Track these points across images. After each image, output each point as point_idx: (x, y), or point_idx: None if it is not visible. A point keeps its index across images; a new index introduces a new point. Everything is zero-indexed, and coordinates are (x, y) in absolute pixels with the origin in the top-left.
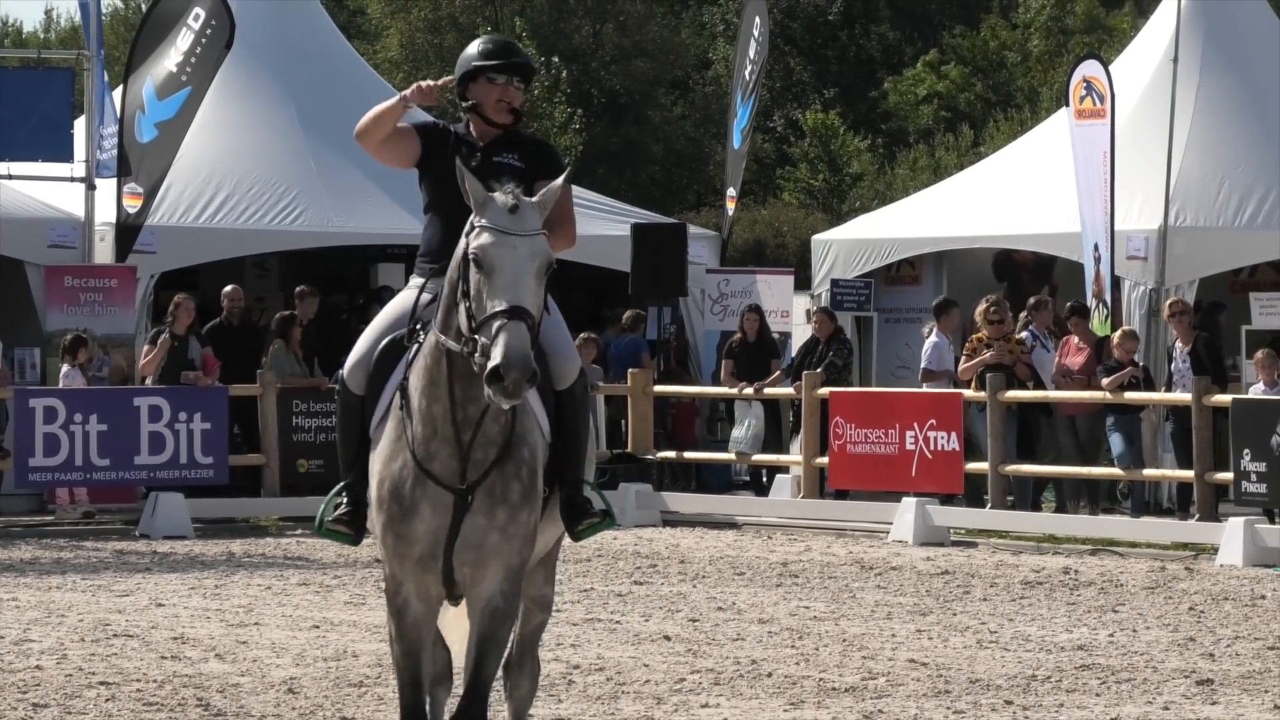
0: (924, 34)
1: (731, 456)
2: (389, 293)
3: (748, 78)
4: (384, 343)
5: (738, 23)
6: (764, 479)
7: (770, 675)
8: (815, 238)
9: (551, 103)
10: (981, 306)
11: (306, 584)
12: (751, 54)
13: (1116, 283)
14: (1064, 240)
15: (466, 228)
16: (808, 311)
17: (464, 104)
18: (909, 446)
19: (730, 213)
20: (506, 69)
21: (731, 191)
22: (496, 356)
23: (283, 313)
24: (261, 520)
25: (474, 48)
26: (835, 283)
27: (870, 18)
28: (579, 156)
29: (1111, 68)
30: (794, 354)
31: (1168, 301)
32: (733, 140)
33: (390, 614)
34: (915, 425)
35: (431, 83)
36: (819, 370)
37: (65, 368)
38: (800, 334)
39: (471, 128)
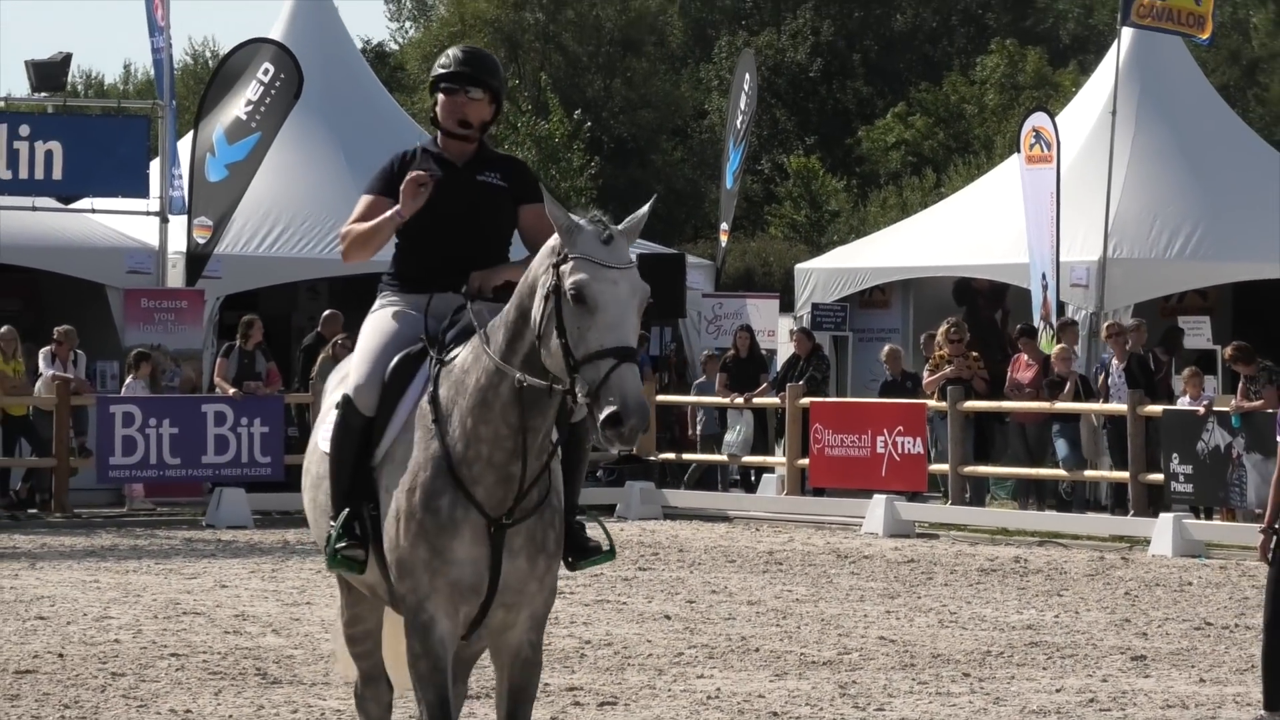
0: (893, 89)
1: (724, 458)
2: None
3: (739, 126)
4: (395, 361)
5: (730, 78)
6: (753, 478)
7: (758, 650)
8: (798, 267)
9: (571, 149)
10: (943, 327)
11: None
12: (742, 106)
13: (1061, 309)
14: (1015, 270)
15: (552, 257)
16: (791, 331)
17: (435, 120)
18: (879, 450)
19: (723, 244)
20: (458, 78)
21: (724, 226)
22: (613, 402)
23: (313, 333)
24: None
25: (439, 62)
26: (815, 306)
27: (846, 75)
28: (595, 196)
29: (1057, 119)
30: (779, 368)
31: (1105, 324)
32: (725, 181)
33: (410, 631)
34: (885, 431)
35: (421, 181)
36: (800, 383)
37: (129, 379)
38: (784, 351)
39: (442, 146)
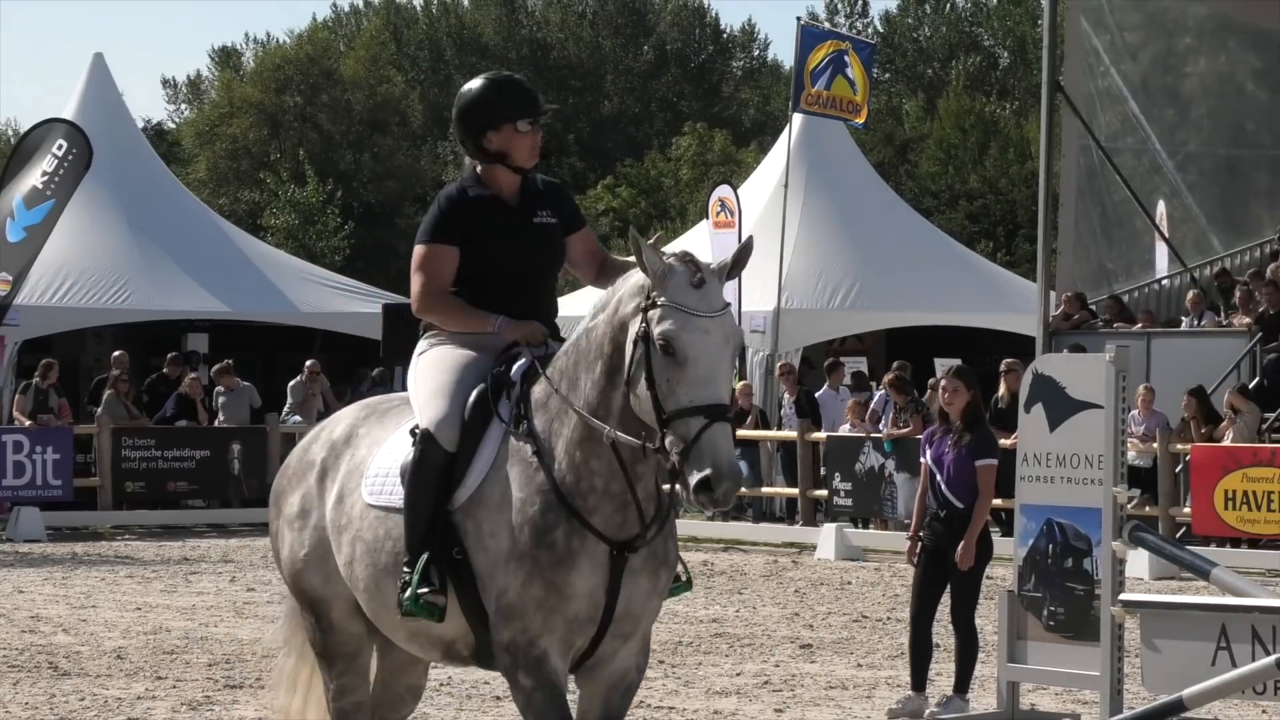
0: (603, 164)
1: None
2: (195, 355)
3: None
4: (473, 398)
5: (462, 153)
6: None
7: None
8: None
9: (326, 213)
10: None
11: (131, 576)
12: None
13: (742, 351)
14: None
15: (640, 298)
16: None
17: (483, 154)
18: None
19: None
20: (539, 112)
21: None
22: (705, 465)
23: (105, 375)
24: (98, 528)
25: (493, 93)
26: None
27: (562, 151)
28: (347, 254)
29: (740, 190)
30: None
31: (779, 364)
32: None
33: (520, 670)
34: None
35: (535, 342)
36: None
37: None
38: None
39: (487, 179)
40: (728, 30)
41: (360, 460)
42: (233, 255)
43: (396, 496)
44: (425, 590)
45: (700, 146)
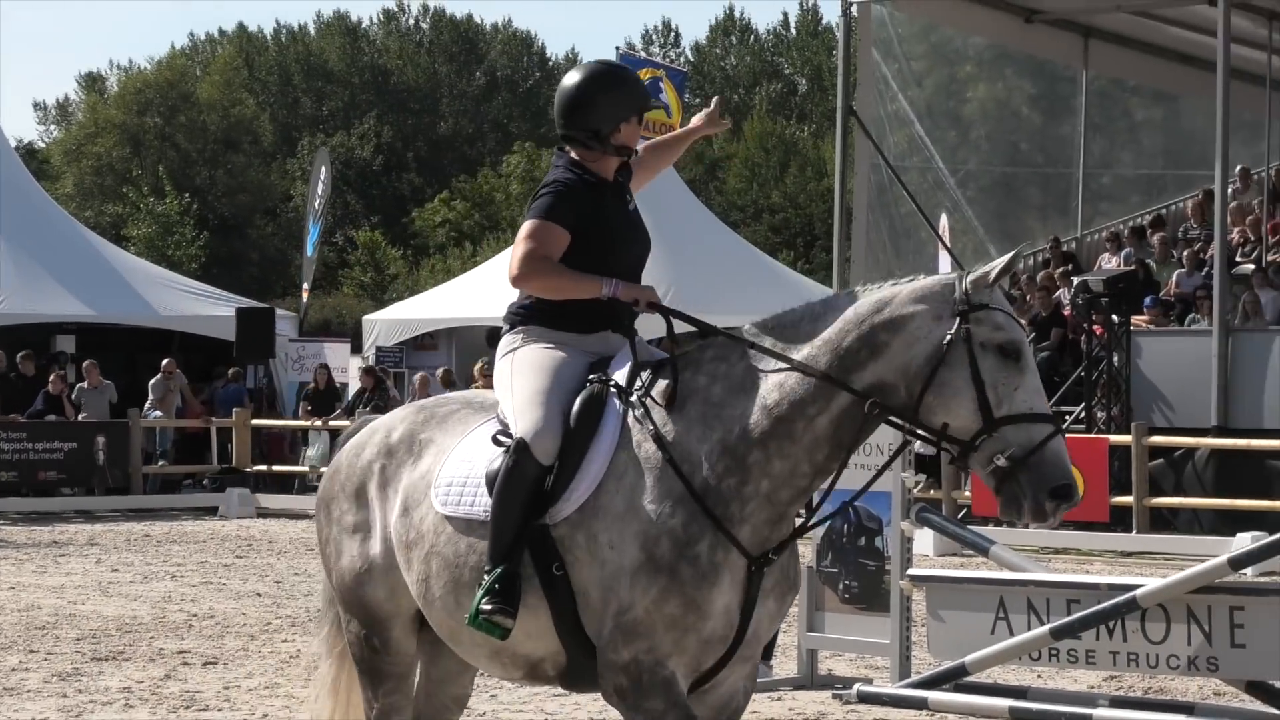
0: (439, 180)
1: (306, 469)
2: (64, 355)
3: (317, 207)
4: (578, 406)
5: (310, 170)
6: None
7: None
8: (365, 318)
9: (184, 225)
10: (478, 365)
11: (5, 558)
12: (320, 191)
13: None
14: None
15: (952, 301)
16: (359, 369)
17: (605, 144)
18: None
19: (305, 300)
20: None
21: (306, 285)
22: (1059, 475)
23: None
24: None
25: (627, 84)
26: (379, 349)
27: (402, 168)
28: (203, 262)
29: None
30: (350, 398)
31: None
32: (307, 250)
33: (647, 693)
34: None
35: (654, 303)
36: (368, 409)
37: None
38: (354, 384)
39: (596, 167)
40: (553, 58)
41: (426, 469)
42: (98, 263)
43: (480, 508)
44: (490, 607)
45: (529, 164)
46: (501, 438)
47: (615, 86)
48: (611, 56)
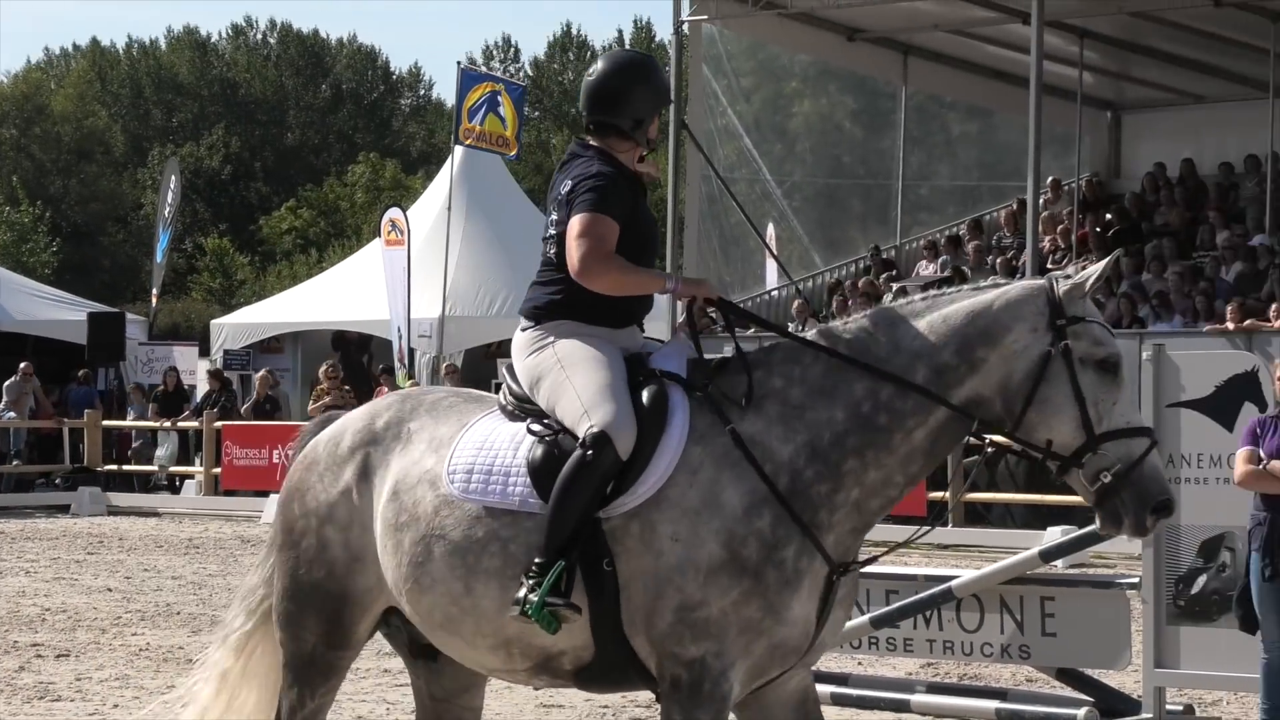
0: (286, 188)
1: (155, 468)
2: None
3: (167, 215)
4: (649, 396)
5: (160, 179)
6: (178, 483)
7: (179, 613)
8: (213, 322)
9: (38, 232)
10: (324, 367)
11: None
12: (170, 199)
13: (412, 353)
14: (378, 324)
15: (1046, 314)
16: (207, 371)
17: (647, 141)
18: (275, 460)
19: (155, 305)
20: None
21: (155, 290)
22: (1161, 490)
23: None
24: None
25: (661, 79)
26: (227, 352)
27: (250, 177)
28: (55, 268)
29: (409, 213)
30: (199, 399)
31: (444, 365)
32: (157, 256)
33: (705, 702)
34: (280, 445)
35: (711, 299)
36: (215, 410)
37: None
38: (202, 386)
39: (623, 160)
40: (397, 72)
41: (420, 454)
42: None
43: (515, 497)
44: (557, 601)
45: (373, 174)
46: (537, 428)
47: (649, 79)
48: (453, 70)
